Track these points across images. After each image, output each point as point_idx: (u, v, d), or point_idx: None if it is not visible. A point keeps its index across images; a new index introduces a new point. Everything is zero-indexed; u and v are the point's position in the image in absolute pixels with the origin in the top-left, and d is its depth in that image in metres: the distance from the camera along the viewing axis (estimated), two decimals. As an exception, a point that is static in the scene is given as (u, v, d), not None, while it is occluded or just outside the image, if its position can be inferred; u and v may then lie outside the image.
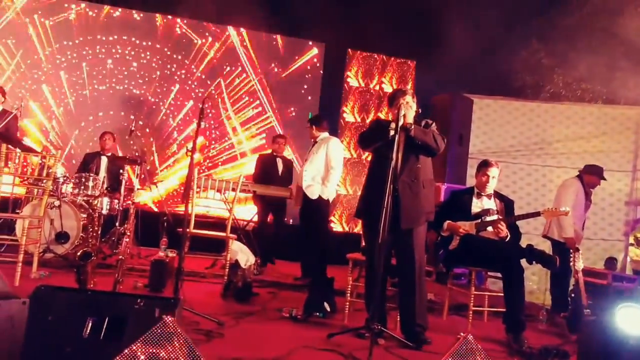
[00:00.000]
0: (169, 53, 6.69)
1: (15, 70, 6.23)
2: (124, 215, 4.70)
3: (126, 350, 1.50)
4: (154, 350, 1.52)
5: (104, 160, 5.13)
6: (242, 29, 6.90)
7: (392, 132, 2.59)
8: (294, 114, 7.00)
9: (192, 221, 3.87)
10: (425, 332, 2.74)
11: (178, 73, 6.73)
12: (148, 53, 6.62)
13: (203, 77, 6.80)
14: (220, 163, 6.81)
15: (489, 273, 3.63)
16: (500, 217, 3.25)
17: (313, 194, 4.09)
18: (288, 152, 6.36)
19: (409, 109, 2.68)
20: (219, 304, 3.26)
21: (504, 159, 5.96)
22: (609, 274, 4.62)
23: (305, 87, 7.03)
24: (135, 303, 1.92)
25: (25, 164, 3.78)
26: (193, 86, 6.77)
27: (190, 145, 2.86)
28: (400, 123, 2.56)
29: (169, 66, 6.70)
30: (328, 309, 3.14)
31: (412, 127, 2.67)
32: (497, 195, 3.43)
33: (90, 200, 4.45)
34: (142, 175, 5.12)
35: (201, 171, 6.52)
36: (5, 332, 1.63)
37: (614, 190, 5.83)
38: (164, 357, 1.52)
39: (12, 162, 3.84)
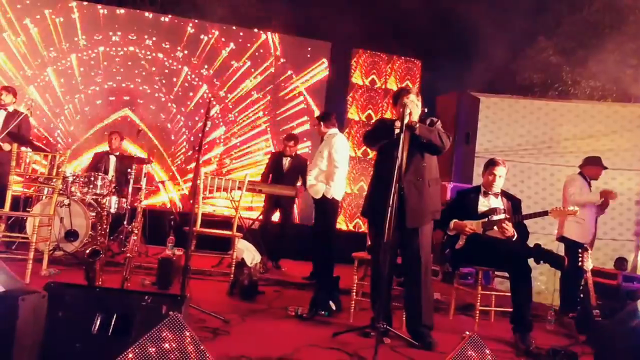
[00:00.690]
0: (182, 53, 6.73)
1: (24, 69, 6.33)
2: (132, 213, 4.75)
3: (134, 346, 1.52)
4: (161, 346, 1.53)
5: (112, 160, 5.19)
6: (256, 30, 6.93)
7: (397, 131, 2.59)
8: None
9: (199, 220, 3.90)
10: (431, 332, 2.72)
11: (191, 73, 6.77)
12: (160, 54, 6.67)
13: (213, 77, 6.83)
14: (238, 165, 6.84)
15: (497, 272, 3.60)
16: (507, 217, 3.23)
17: (317, 194, 4.06)
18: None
19: (414, 107, 2.68)
20: (225, 302, 3.28)
21: (512, 158, 5.91)
22: (619, 275, 4.56)
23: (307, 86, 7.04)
24: (142, 300, 1.95)
25: (35, 163, 3.84)
26: (200, 84, 6.81)
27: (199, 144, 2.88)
28: (405, 121, 2.55)
29: (180, 66, 6.75)
30: (334, 308, 3.15)
31: (417, 125, 2.67)
32: (505, 194, 3.41)
33: (99, 199, 4.51)
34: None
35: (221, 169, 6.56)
36: (30, 325, 1.67)
37: (624, 189, 5.75)
38: (171, 353, 1.53)
39: (24, 162, 3.91)
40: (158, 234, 4.86)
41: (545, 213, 3.26)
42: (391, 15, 6.40)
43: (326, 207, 4.09)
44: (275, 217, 5.26)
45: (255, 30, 6.94)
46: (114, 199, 4.62)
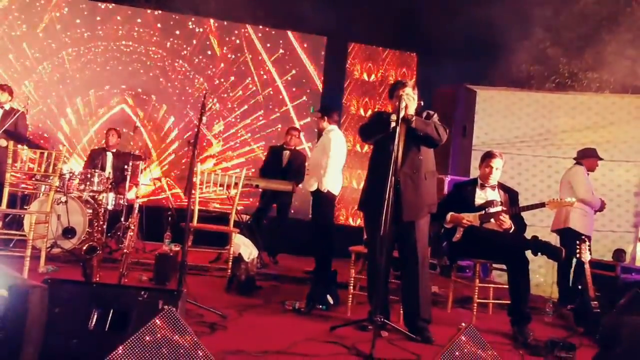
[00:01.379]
0: (174, 47, 6.70)
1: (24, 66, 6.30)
2: (129, 210, 4.75)
3: (128, 341, 1.52)
4: (154, 339, 1.53)
5: (109, 156, 5.18)
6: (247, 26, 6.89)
7: (392, 124, 2.58)
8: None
9: (196, 215, 3.90)
10: (429, 325, 2.73)
11: (184, 67, 6.74)
12: (153, 47, 6.64)
13: (210, 72, 6.80)
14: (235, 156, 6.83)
15: (494, 265, 3.61)
16: (504, 209, 3.22)
17: (311, 187, 4.08)
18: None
19: (410, 100, 2.66)
20: (223, 297, 3.28)
21: (509, 150, 5.89)
22: (618, 266, 4.57)
23: (304, 81, 7.01)
24: (139, 295, 1.95)
25: (32, 160, 3.83)
26: (195, 81, 6.78)
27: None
28: (401, 114, 2.54)
29: (175, 61, 6.72)
30: (331, 302, 3.15)
31: (413, 118, 2.66)
32: (502, 186, 3.40)
33: (96, 196, 4.50)
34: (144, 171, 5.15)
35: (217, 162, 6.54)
36: (37, 317, 1.69)
37: (622, 181, 5.76)
38: (164, 346, 1.53)
39: (20, 159, 3.90)
40: (155, 230, 4.86)
41: (542, 205, 3.26)
42: (387, 8, 6.36)
43: (321, 201, 4.09)
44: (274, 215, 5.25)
45: (251, 25, 6.91)
46: (111, 195, 4.62)
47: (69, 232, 4.14)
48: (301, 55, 7.01)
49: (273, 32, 6.95)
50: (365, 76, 7.24)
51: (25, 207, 4.35)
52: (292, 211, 5.78)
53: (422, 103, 2.82)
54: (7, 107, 4.49)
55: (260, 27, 6.91)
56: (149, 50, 6.64)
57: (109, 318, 1.89)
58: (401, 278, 2.88)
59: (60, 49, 6.41)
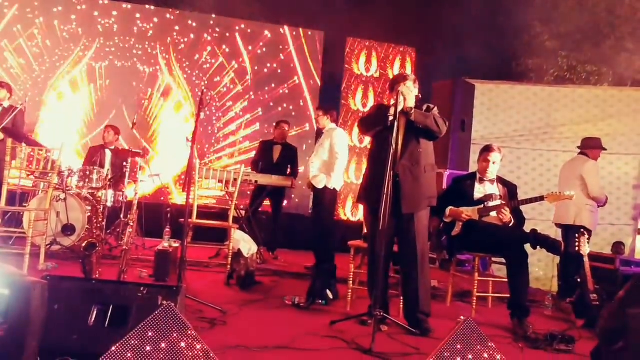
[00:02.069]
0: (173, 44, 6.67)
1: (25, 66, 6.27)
2: (128, 207, 4.74)
3: (127, 337, 1.53)
4: (153, 335, 1.54)
5: (108, 154, 5.17)
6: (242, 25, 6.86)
7: (391, 118, 2.57)
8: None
9: (195, 211, 3.90)
10: (428, 319, 2.73)
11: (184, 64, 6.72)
12: (151, 43, 6.61)
13: (205, 66, 6.78)
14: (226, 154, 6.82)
15: (494, 259, 3.61)
16: (503, 203, 3.22)
17: (319, 184, 4.20)
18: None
19: (409, 93, 2.66)
20: (223, 293, 3.29)
21: (508, 144, 5.89)
22: (617, 259, 4.58)
23: (301, 76, 6.98)
24: (138, 291, 1.95)
25: (31, 158, 3.82)
26: (192, 77, 6.76)
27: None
28: (400, 107, 2.53)
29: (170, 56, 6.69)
30: (331, 297, 3.16)
31: (413, 111, 2.65)
32: (500, 180, 3.40)
33: (95, 193, 4.50)
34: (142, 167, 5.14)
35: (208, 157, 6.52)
36: (39, 312, 1.69)
37: (621, 174, 5.76)
38: (163, 341, 1.54)
39: (19, 157, 3.89)
40: (155, 226, 4.86)
41: (541, 198, 3.26)
42: (385, 3, 6.32)
43: (326, 197, 4.22)
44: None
45: (248, 20, 6.87)
46: (110, 192, 4.61)
47: (68, 229, 4.14)
48: (299, 51, 6.98)
49: (270, 28, 6.92)
50: (363, 71, 7.22)
51: (25, 205, 4.34)
52: (288, 206, 5.78)
53: (420, 96, 2.82)
54: (5, 104, 4.48)
55: (257, 22, 6.88)
56: (149, 44, 6.61)
57: (109, 314, 1.90)
58: (401, 271, 2.88)
59: (56, 46, 6.38)
